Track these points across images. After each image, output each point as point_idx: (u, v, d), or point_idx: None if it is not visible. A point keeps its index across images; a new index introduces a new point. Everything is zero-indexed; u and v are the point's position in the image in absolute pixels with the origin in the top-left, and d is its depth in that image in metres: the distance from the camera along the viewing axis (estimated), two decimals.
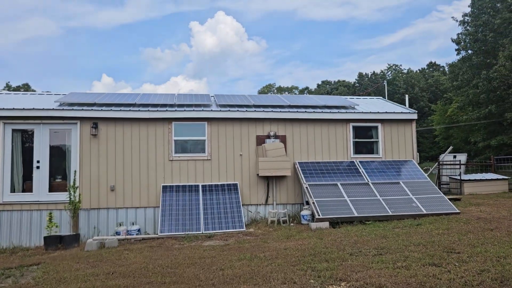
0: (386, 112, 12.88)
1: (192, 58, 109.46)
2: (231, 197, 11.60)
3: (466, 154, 19.18)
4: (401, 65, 67.95)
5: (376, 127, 13.04)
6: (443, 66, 62.53)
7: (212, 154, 12.18)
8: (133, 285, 6.12)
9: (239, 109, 12.43)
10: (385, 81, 41.37)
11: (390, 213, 10.41)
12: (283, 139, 12.49)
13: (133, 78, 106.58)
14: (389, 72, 62.30)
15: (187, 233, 10.33)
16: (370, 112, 12.83)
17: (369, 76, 63.09)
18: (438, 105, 40.67)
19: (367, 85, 58.04)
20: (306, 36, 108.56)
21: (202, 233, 10.44)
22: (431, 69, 62.83)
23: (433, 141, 45.18)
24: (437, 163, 18.10)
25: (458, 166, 17.39)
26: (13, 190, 11.43)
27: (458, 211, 10.60)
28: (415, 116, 12.95)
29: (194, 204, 11.30)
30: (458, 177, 16.63)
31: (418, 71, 61.53)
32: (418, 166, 12.62)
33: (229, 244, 9.05)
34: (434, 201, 10.99)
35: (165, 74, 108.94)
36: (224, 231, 10.55)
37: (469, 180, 16.60)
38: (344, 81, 65.65)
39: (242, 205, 12.02)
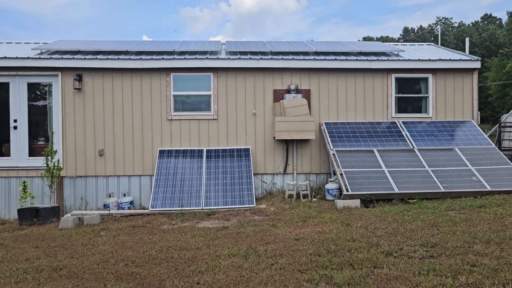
0: (439, 60, 10.11)
1: (231, 18, 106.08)
2: (241, 165, 9.50)
3: None
4: (451, 18, 61.82)
5: (426, 79, 10.34)
6: (500, 19, 56.25)
7: (219, 112, 10.02)
8: None
9: (252, 56, 10.07)
10: (438, 26, 36.89)
11: (442, 190, 7.98)
12: (306, 94, 10.10)
13: (172, 39, 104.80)
14: (437, 27, 56.73)
15: (183, 209, 8.41)
16: (419, 60, 10.11)
17: (416, 31, 57.86)
18: (494, 60, 36.12)
19: (414, 41, 53.16)
20: None
21: (202, 209, 8.48)
22: (485, 22, 56.64)
23: (485, 101, 40.75)
24: (497, 125, 15.10)
25: None
26: None
27: None
28: (477, 65, 10.12)
29: (195, 174, 9.31)
30: None
31: (470, 25, 55.64)
32: (479, 128, 9.93)
33: (228, 227, 7.03)
34: (501, 174, 8.42)
35: (204, 34, 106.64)
36: (229, 207, 8.54)
37: None
38: (387, 37, 60.71)
39: (255, 174, 9.92)
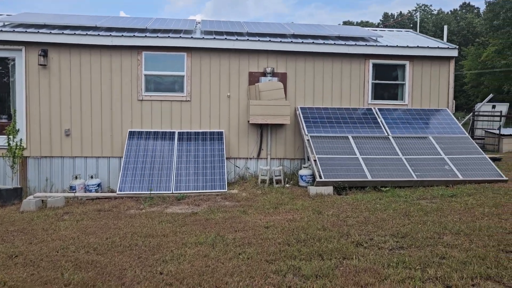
0: (417, 47, 10.01)
1: None
2: (213, 149, 9.26)
3: (508, 104, 16.22)
4: (431, 5, 62.25)
5: (403, 66, 10.25)
6: (478, 8, 56.99)
7: (192, 94, 9.70)
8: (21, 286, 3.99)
9: (228, 37, 9.74)
10: (418, 12, 37.01)
11: (415, 178, 7.97)
12: (282, 77, 9.87)
13: (150, 16, 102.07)
14: (417, 13, 56.96)
15: (152, 192, 8.15)
16: (397, 46, 9.99)
17: (395, 17, 58.02)
18: (471, 49, 36.57)
19: (393, 27, 53.29)
20: None
21: (172, 193, 8.24)
22: (464, 11, 57.24)
23: (460, 89, 41.39)
24: (471, 113, 15.29)
25: (498, 118, 14.57)
26: None
27: (505, 178, 8.09)
28: (455, 53, 10.08)
29: (166, 156, 9.02)
30: (497, 131, 13.91)
31: (449, 13, 56.13)
32: (453, 117, 9.95)
33: (197, 213, 6.83)
34: (473, 163, 8.46)
35: (183, 12, 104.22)
36: (200, 191, 8.33)
37: (510, 135, 13.87)
38: (367, 22, 60.68)
39: (228, 158, 9.71)
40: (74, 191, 8.68)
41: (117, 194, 8.24)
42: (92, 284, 4.02)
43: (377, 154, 8.58)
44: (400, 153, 8.63)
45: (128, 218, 6.67)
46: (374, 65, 10.16)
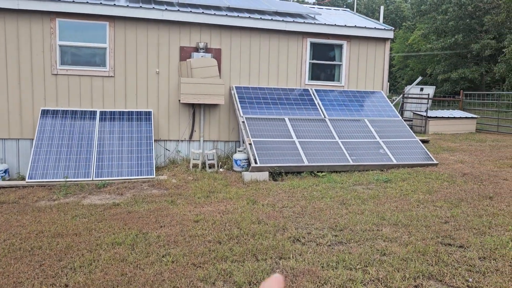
0: (355, 27, 9.78)
1: None
2: (140, 131, 8.45)
3: (435, 87, 16.86)
4: None
5: (341, 46, 10.00)
6: None
7: (116, 69, 8.73)
8: None
9: (156, 6, 8.81)
10: None
11: (351, 163, 7.80)
12: (217, 54, 9.20)
13: None
14: None
15: (68, 180, 7.23)
16: (335, 25, 9.68)
17: None
18: (399, 33, 37.95)
19: (328, 7, 53.74)
20: None
21: (92, 180, 7.38)
22: None
23: (388, 71, 43.07)
24: (401, 95, 15.66)
25: (425, 101, 15.04)
26: None
27: (435, 162, 8.19)
28: (391, 35, 10.00)
29: (86, 139, 8.07)
30: (424, 113, 14.35)
31: None
32: (387, 99, 9.94)
33: (119, 205, 6.10)
34: (406, 147, 8.48)
35: None
36: (125, 178, 7.55)
37: (436, 117, 14.39)
38: (303, 0, 60.76)
39: (158, 141, 8.95)
40: None
41: (27, 182, 7.22)
42: None
43: (314, 137, 8.30)
44: (336, 137, 8.42)
45: (35, 212, 5.78)
46: (312, 44, 9.81)
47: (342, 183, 7.04)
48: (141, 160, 7.94)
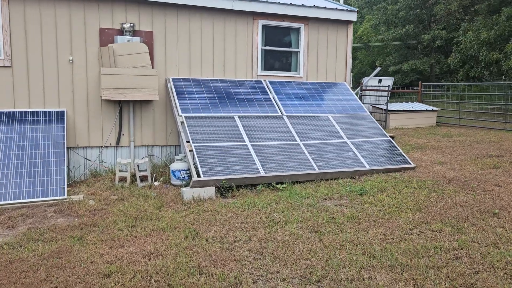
0: (314, 7, 8.36)
1: None
2: (49, 136, 6.54)
3: (393, 78, 16.01)
4: None
5: (298, 30, 8.55)
6: None
7: (14, 57, 6.74)
8: None
9: None
10: None
11: (316, 170, 6.38)
12: (148, 38, 7.43)
13: None
14: None
15: None
16: (291, 4, 8.20)
17: None
18: None
19: None
20: None
21: None
22: None
23: None
24: (359, 87, 14.58)
25: (385, 94, 14.04)
26: None
27: (413, 165, 6.97)
28: (354, 17, 8.69)
29: None
30: (384, 107, 13.35)
31: None
32: (353, 92, 8.63)
33: (2, 247, 4.26)
34: (378, 148, 7.20)
35: None
36: (24, 201, 5.66)
37: (396, 110, 13.44)
38: None
39: (74, 148, 7.08)
40: None
41: None
42: None
43: (271, 139, 6.79)
44: (297, 138, 6.97)
45: None
46: (264, 27, 8.28)
47: (308, 198, 5.60)
48: (48, 175, 6.06)
